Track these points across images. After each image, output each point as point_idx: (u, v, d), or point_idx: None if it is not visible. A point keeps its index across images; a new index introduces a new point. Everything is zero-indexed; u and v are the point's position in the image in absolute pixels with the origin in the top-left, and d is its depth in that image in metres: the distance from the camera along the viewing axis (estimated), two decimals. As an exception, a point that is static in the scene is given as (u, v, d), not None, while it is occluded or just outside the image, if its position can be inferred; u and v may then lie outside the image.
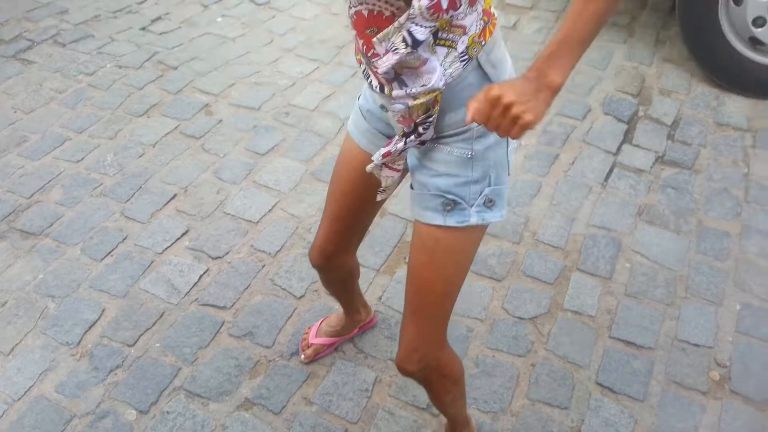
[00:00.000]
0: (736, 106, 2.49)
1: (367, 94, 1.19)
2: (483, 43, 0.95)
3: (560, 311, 1.80)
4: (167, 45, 2.84)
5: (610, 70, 2.68)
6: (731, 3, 2.35)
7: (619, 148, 2.33)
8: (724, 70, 2.50)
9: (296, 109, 2.51)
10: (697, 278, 1.88)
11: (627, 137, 2.38)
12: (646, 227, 2.04)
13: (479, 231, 1.08)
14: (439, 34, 0.91)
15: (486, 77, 0.97)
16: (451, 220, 1.04)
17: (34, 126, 2.40)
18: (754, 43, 2.37)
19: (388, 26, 0.89)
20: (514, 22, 2.97)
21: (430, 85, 0.92)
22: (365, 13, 0.92)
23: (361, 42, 0.98)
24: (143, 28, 2.96)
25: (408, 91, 0.95)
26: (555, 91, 0.85)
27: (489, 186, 1.03)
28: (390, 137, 1.16)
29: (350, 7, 0.95)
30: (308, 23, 3.04)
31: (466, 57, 0.94)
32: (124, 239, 1.98)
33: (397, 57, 0.90)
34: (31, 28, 2.92)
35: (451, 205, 1.03)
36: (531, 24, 2.96)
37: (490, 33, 0.96)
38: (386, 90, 0.99)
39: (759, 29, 2.31)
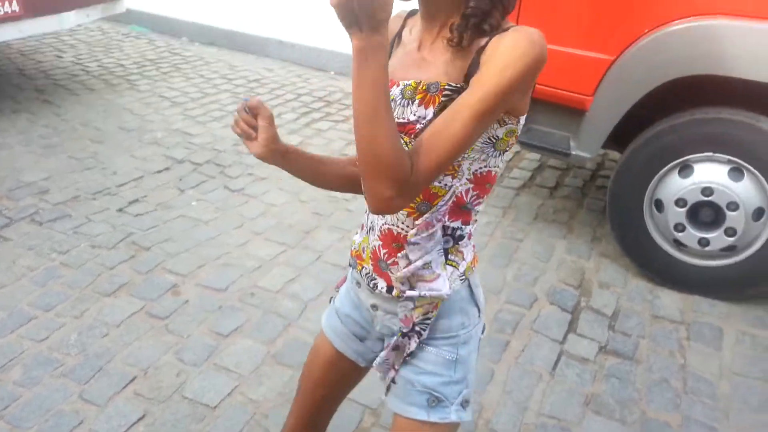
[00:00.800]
0: (670, 300, 2.71)
1: (346, 300, 1.34)
2: (473, 268, 1.19)
3: (513, 505, 1.81)
4: (142, 227, 3.00)
5: (552, 262, 2.92)
6: (654, 210, 2.66)
7: (564, 337, 2.48)
8: (655, 267, 2.76)
9: (261, 291, 2.63)
10: (643, 471, 1.94)
11: (572, 326, 2.54)
12: (593, 417, 2.13)
13: (453, 428, 1.19)
14: (449, 256, 1.13)
15: (472, 293, 1.19)
16: (435, 416, 1.16)
17: (2, 303, 2.45)
18: (678, 244, 2.65)
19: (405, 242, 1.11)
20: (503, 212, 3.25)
21: (439, 294, 1.12)
22: (395, 231, 1.13)
23: (384, 252, 1.16)
24: (120, 210, 3.14)
25: (419, 293, 1.14)
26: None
27: (467, 387, 1.18)
28: (362, 340, 1.33)
29: (381, 223, 1.15)
30: (278, 209, 3.27)
31: (464, 277, 1.16)
32: (80, 423, 1.96)
33: (415, 266, 1.11)
34: (11, 206, 3.07)
35: (435, 401, 1.16)
36: (481, 218, 3.24)
37: (477, 262, 1.21)
38: (395, 292, 1.16)
39: (680, 234, 2.60)
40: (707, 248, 2.58)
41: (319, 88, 5.03)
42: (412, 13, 1.17)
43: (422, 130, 1.01)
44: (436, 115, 1.00)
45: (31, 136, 3.86)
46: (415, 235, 1.10)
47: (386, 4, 0.87)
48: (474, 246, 1.21)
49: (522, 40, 0.94)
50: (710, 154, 2.46)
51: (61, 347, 2.26)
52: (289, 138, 4.05)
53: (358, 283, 1.27)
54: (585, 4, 2.55)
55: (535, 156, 3.95)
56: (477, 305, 1.21)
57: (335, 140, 4.07)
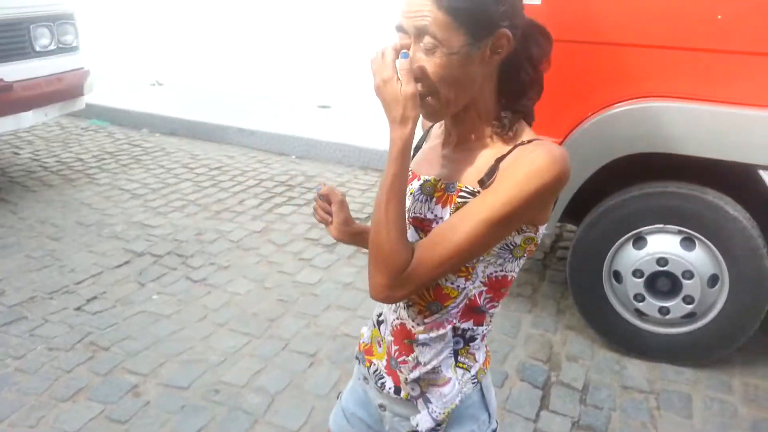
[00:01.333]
0: (637, 370, 2.73)
1: (352, 397, 1.30)
2: (486, 370, 1.16)
3: None
4: (100, 325, 2.92)
5: (520, 337, 2.93)
6: (614, 281, 2.72)
7: (537, 415, 2.46)
8: (619, 338, 2.79)
9: (226, 386, 2.56)
10: None
11: (543, 403, 2.53)
12: (571, 498, 2.09)
13: None
14: (459, 357, 1.11)
15: (483, 397, 1.16)
16: None
17: (-51, 416, 2.32)
18: (640, 314, 2.70)
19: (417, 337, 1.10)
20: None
21: (450, 402, 1.10)
22: (407, 326, 1.12)
23: (395, 348, 1.14)
24: (78, 308, 3.06)
25: (431, 410, 1.12)
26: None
27: None
28: None
29: (394, 317, 1.14)
30: (242, 297, 3.22)
31: (476, 380, 1.13)
32: None
33: (425, 370, 1.10)
34: (-37, 311, 2.97)
35: None
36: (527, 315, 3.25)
37: (489, 363, 1.18)
38: (403, 394, 1.15)
39: (640, 303, 2.65)
40: (668, 316, 2.63)
41: (281, 172, 5.09)
42: None
43: None
44: (451, 215, 1.02)
45: (-15, 236, 3.78)
46: (424, 333, 1.09)
47: (410, 103, 0.95)
48: (487, 346, 1.19)
49: (544, 156, 0.94)
50: (661, 225, 2.55)
51: (14, 462, 2.14)
52: (252, 224, 4.05)
53: (366, 379, 1.25)
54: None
55: (495, 231, 4.02)
56: (488, 410, 1.17)
57: (298, 224, 4.09)
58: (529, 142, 1.01)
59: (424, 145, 1.19)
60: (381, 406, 1.22)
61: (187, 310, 3.10)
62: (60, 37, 4.47)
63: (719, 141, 2.35)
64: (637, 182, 2.62)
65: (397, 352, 1.14)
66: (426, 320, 1.09)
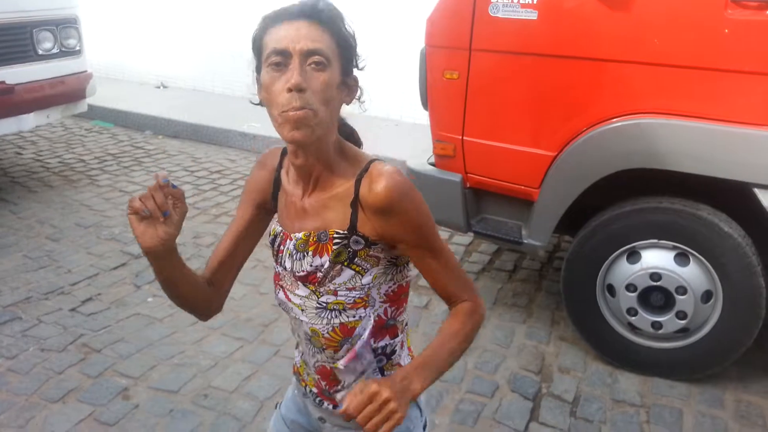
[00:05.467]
0: (629, 383, 2.72)
1: (292, 405, 1.33)
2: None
3: None
4: (94, 327, 2.93)
5: (513, 348, 2.92)
6: (608, 294, 2.71)
7: (526, 427, 2.45)
8: (612, 350, 2.78)
9: (216, 391, 2.56)
10: None
11: (533, 415, 2.51)
12: None
13: None
14: (385, 372, 1.17)
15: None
16: None
17: (-61, 415, 2.33)
18: (633, 328, 2.69)
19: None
20: (426, 303, 3.26)
21: None
22: (328, 366, 1.18)
23: (324, 383, 1.20)
24: (72, 310, 3.07)
25: None
26: (415, 396, 1.03)
27: None
28: None
29: (314, 361, 1.19)
30: (236, 302, 3.23)
31: None
32: None
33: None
34: (-42, 310, 2.99)
35: None
36: (440, 304, 3.25)
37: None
38: (340, 409, 1.17)
39: (633, 317, 2.64)
40: (661, 331, 2.61)
41: (281, 177, 5.10)
42: (285, 152, 1.20)
43: (324, 277, 1.08)
44: (332, 261, 1.07)
45: (-16, 235, 3.81)
46: (344, 362, 1.14)
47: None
48: (410, 349, 1.23)
49: (396, 193, 1.03)
50: (655, 240, 2.54)
51: (1, 462, 2.15)
52: (249, 229, 4.05)
53: (304, 395, 1.28)
54: (527, 105, 2.68)
55: (493, 240, 4.02)
56: (418, 406, 1.22)
57: (296, 230, 4.09)
58: (364, 169, 1.07)
59: (282, 198, 1.19)
60: (320, 419, 1.27)
61: (181, 313, 3.05)
62: (63, 40, 4.50)
63: (714, 158, 2.34)
64: (632, 197, 2.61)
65: (326, 385, 1.20)
66: (337, 354, 1.15)
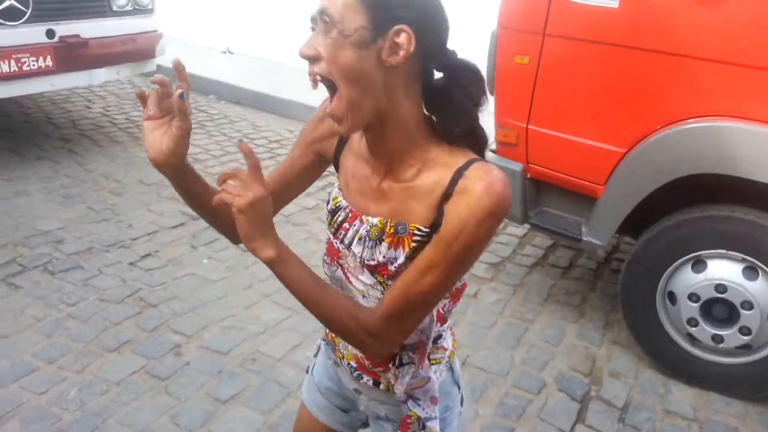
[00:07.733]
0: (683, 395, 2.63)
1: (323, 371, 1.31)
2: (454, 351, 1.22)
3: None
4: (151, 283, 3.01)
5: (562, 347, 2.86)
6: (668, 302, 2.62)
7: (572, 428, 2.40)
8: (668, 360, 2.69)
9: (263, 357, 2.60)
10: None
11: (580, 417, 2.46)
12: None
13: None
14: (431, 356, 1.13)
15: (453, 374, 1.22)
16: None
17: (6, 352, 2.44)
18: (692, 338, 2.59)
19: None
20: (475, 291, 3.22)
21: (434, 392, 1.14)
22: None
23: (367, 362, 1.14)
24: (131, 264, 3.15)
25: (422, 405, 1.14)
26: (255, 250, 0.96)
27: None
28: (347, 411, 1.31)
29: None
30: (287, 272, 3.25)
31: (448, 365, 1.20)
32: (67, 487, 1.91)
33: (407, 379, 1.11)
34: (25, 253, 3.10)
35: None
36: (490, 295, 3.21)
37: (455, 343, 1.22)
38: (382, 386, 1.15)
39: (693, 328, 2.55)
40: (721, 345, 2.51)
41: (339, 152, 5.10)
42: None
43: (397, 271, 1.00)
44: (407, 258, 0.99)
45: (52, 184, 3.94)
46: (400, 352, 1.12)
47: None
48: (451, 329, 1.22)
49: (488, 198, 0.90)
50: (723, 251, 2.43)
51: (60, 402, 2.23)
52: (305, 200, 4.08)
53: (336, 364, 1.24)
54: (598, 97, 2.59)
55: (548, 234, 3.94)
56: (457, 384, 1.23)
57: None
58: (467, 165, 0.94)
59: (348, 168, 1.08)
60: (356, 390, 1.22)
61: (234, 277, 3.15)
62: (137, -2, 4.58)
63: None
64: (699, 203, 2.50)
65: (369, 364, 1.14)
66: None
